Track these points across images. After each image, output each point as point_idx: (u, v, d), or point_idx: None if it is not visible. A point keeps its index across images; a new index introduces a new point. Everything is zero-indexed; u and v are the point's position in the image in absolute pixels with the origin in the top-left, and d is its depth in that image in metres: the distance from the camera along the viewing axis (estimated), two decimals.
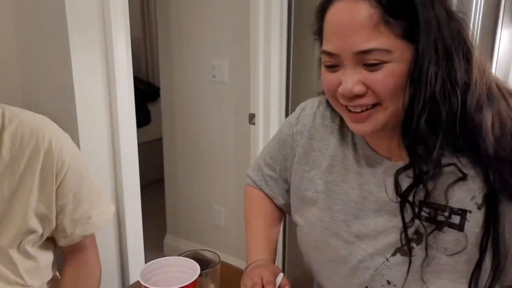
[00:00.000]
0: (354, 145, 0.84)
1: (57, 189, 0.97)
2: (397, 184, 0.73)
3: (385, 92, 0.68)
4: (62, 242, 1.03)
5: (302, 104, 0.96)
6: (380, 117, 0.71)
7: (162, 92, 2.56)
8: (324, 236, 0.84)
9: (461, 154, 0.69)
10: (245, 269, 0.92)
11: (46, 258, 1.02)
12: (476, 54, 0.70)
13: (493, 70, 1.67)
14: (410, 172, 0.72)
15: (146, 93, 3.75)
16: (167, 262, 0.81)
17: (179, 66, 2.39)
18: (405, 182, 0.73)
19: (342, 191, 0.84)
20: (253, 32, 1.96)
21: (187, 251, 0.87)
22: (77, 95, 1.31)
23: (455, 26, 0.68)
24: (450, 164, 0.69)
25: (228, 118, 2.26)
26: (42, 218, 0.96)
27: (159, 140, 2.66)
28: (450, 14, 0.69)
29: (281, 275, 0.86)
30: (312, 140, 0.90)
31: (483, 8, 1.60)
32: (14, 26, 1.39)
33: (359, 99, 0.70)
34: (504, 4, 1.61)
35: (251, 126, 2.12)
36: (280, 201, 1.01)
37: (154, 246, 2.58)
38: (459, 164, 0.69)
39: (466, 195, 0.70)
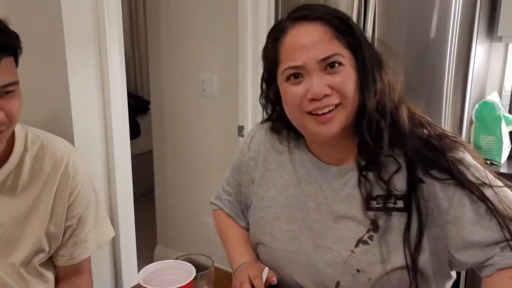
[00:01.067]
0: (302, 161, 0.97)
1: (67, 209, 1.01)
2: (359, 182, 0.88)
3: (346, 91, 0.83)
4: (60, 262, 1.06)
5: (251, 133, 1.08)
6: (342, 115, 0.84)
7: (152, 106, 2.61)
8: (293, 245, 0.94)
9: (393, 146, 0.85)
10: (233, 274, 0.99)
11: (51, 276, 1.05)
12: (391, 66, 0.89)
13: (469, 83, 1.76)
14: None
15: (136, 107, 3.79)
16: (164, 265, 0.86)
17: (169, 80, 2.45)
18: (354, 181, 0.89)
19: (300, 202, 0.95)
20: (241, 46, 2.04)
21: (183, 255, 0.92)
22: (73, 108, 1.36)
23: (371, 44, 0.89)
24: (389, 156, 0.85)
25: (217, 131, 2.32)
26: (51, 238, 1.00)
27: (149, 152, 2.71)
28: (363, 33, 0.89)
29: (266, 269, 0.93)
30: (267, 162, 1.01)
31: (459, 25, 1.70)
32: None
33: (327, 99, 0.83)
34: (478, 22, 1.71)
35: (240, 138, 2.18)
36: (241, 223, 1.11)
37: (145, 257, 2.60)
38: (394, 155, 0.85)
39: (402, 181, 0.85)
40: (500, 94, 2.14)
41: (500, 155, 1.86)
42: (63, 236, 1.03)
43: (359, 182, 0.87)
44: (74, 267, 1.07)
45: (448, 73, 1.77)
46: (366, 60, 0.85)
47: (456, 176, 0.82)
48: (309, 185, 0.95)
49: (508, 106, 2.13)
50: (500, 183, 0.85)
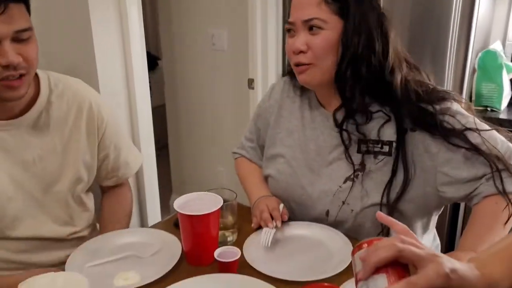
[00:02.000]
0: (310, 109, 1.12)
1: (99, 143, 1.15)
2: (335, 119, 1.04)
3: (319, 53, 0.97)
4: (106, 183, 1.24)
5: (273, 84, 1.23)
6: (315, 72, 0.99)
7: (164, 62, 2.68)
8: (293, 179, 1.10)
9: (385, 104, 1.00)
10: (252, 205, 1.12)
11: (91, 205, 1.21)
12: (392, 36, 0.99)
13: (473, 33, 1.81)
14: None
15: None
16: (196, 196, 0.98)
17: (179, 36, 2.50)
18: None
19: (303, 144, 1.11)
20: (251, 0, 2.08)
21: (211, 189, 1.03)
22: (98, 63, 1.45)
23: (377, 17, 0.97)
24: (378, 111, 1.00)
25: (228, 83, 2.40)
26: (88, 167, 1.14)
27: (161, 107, 2.80)
28: (375, 8, 0.98)
29: (282, 205, 1.08)
30: (281, 109, 1.17)
31: None
32: None
33: (302, 55, 0.98)
34: None
35: (250, 90, 2.26)
36: (259, 165, 1.25)
37: (161, 205, 2.75)
38: (384, 110, 1.00)
39: (391, 131, 1.00)
40: (503, 43, 2.20)
41: (500, 102, 1.94)
42: (103, 164, 1.19)
43: (341, 131, 1.03)
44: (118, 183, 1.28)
45: (453, 23, 1.82)
46: (352, 29, 0.95)
47: (439, 129, 0.94)
48: (312, 130, 1.10)
49: (510, 55, 2.18)
50: (487, 127, 0.96)
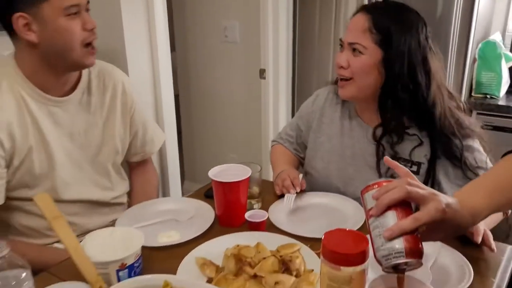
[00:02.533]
0: (350, 118, 1.26)
1: (130, 120, 1.29)
2: (374, 133, 1.19)
3: (356, 72, 1.13)
4: (134, 158, 1.38)
5: (318, 92, 1.38)
6: (352, 87, 1.15)
7: (177, 53, 2.79)
8: (329, 179, 1.25)
9: (422, 129, 1.15)
10: (275, 177, 1.27)
11: (126, 174, 1.35)
12: (436, 70, 1.13)
13: (473, 25, 1.93)
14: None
15: None
16: (228, 167, 1.12)
17: (192, 28, 2.62)
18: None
19: (340, 150, 1.25)
20: None
21: (240, 162, 1.16)
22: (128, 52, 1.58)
23: (422, 53, 1.11)
24: (414, 134, 1.15)
25: (240, 74, 2.51)
26: (122, 141, 1.28)
27: (174, 96, 2.92)
28: (421, 45, 1.11)
29: (301, 175, 1.22)
30: (323, 116, 1.31)
31: None
32: None
33: (343, 70, 1.15)
34: None
35: (262, 80, 2.38)
36: (293, 154, 1.40)
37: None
38: (419, 135, 1.15)
39: (421, 153, 1.15)
40: (503, 34, 2.31)
41: (499, 90, 2.06)
42: (133, 140, 1.32)
43: (378, 145, 1.17)
44: (143, 160, 1.41)
45: (455, 15, 1.94)
46: (391, 60, 1.10)
47: (462, 163, 1.12)
48: (350, 138, 1.25)
49: (510, 45, 2.30)
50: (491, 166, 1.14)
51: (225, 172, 1.09)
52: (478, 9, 1.92)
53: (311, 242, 0.97)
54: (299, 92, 2.46)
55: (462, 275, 0.86)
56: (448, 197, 0.69)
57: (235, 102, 2.59)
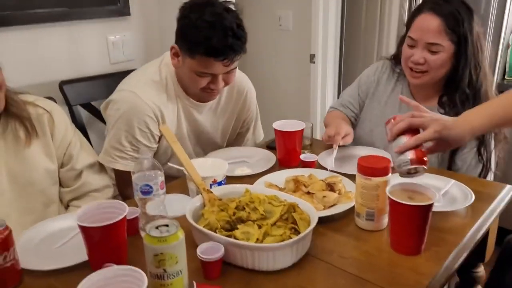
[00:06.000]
0: (401, 91, 1.52)
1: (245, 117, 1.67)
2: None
3: (434, 67, 1.37)
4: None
5: (376, 64, 1.63)
6: (426, 78, 1.40)
7: None
8: (372, 141, 1.52)
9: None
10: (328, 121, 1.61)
11: None
12: (484, 59, 1.42)
13: (507, 11, 2.13)
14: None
15: None
16: (287, 122, 1.43)
17: (249, 18, 2.92)
18: None
19: (387, 115, 1.44)
20: None
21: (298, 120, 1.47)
22: None
23: (480, 39, 1.39)
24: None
25: (292, 58, 2.79)
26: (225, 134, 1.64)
27: None
28: (479, 32, 1.38)
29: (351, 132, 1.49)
30: (378, 86, 1.58)
31: None
32: None
33: (419, 66, 1.38)
34: None
35: (311, 64, 2.67)
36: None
37: None
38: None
39: None
40: None
41: None
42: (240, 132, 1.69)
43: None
44: None
45: (492, 3, 2.15)
46: (463, 54, 1.35)
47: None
48: (398, 109, 1.51)
49: None
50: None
51: (285, 124, 1.41)
52: None
53: (350, 177, 1.27)
54: (345, 76, 2.73)
55: (465, 198, 1.14)
56: (446, 120, 0.99)
57: (287, 83, 2.86)
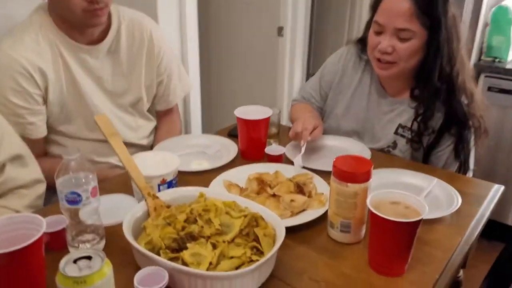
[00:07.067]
0: (369, 83, 1.35)
1: (157, 68, 1.40)
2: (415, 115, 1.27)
3: (403, 56, 1.18)
4: (159, 106, 1.49)
5: (343, 52, 1.42)
6: (394, 70, 1.21)
7: (198, 14, 2.87)
8: (339, 134, 1.36)
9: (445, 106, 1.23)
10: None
11: (153, 118, 1.50)
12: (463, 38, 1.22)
13: None
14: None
15: None
16: (249, 108, 1.25)
17: None
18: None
19: (355, 110, 1.36)
20: None
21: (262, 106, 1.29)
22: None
23: (457, 24, 1.19)
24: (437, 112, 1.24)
25: (259, 31, 2.60)
26: (148, 89, 1.40)
27: None
28: (455, 15, 1.19)
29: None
30: (344, 76, 1.40)
31: None
32: None
33: (387, 56, 1.19)
34: None
35: (280, 38, 2.48)
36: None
37: None
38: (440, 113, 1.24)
39: (437, 122, 1.25)
40: None
41: (507, 54, 2.15)
42: (157, 88, 1.44)
43: (415, 114, 1.26)
44: (169, 109, 1.52)
45: None
46: (434, 41, 1.16)
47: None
48: (367, 101, 1.35)
49: None
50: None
51: (248, 111, 1.23)
52: None
53: (321, 174, 1.11)
54: (315, 50, 2.56)
55: (451, 202, 1.01)
56: None
57: (253, 57, 2.68)
